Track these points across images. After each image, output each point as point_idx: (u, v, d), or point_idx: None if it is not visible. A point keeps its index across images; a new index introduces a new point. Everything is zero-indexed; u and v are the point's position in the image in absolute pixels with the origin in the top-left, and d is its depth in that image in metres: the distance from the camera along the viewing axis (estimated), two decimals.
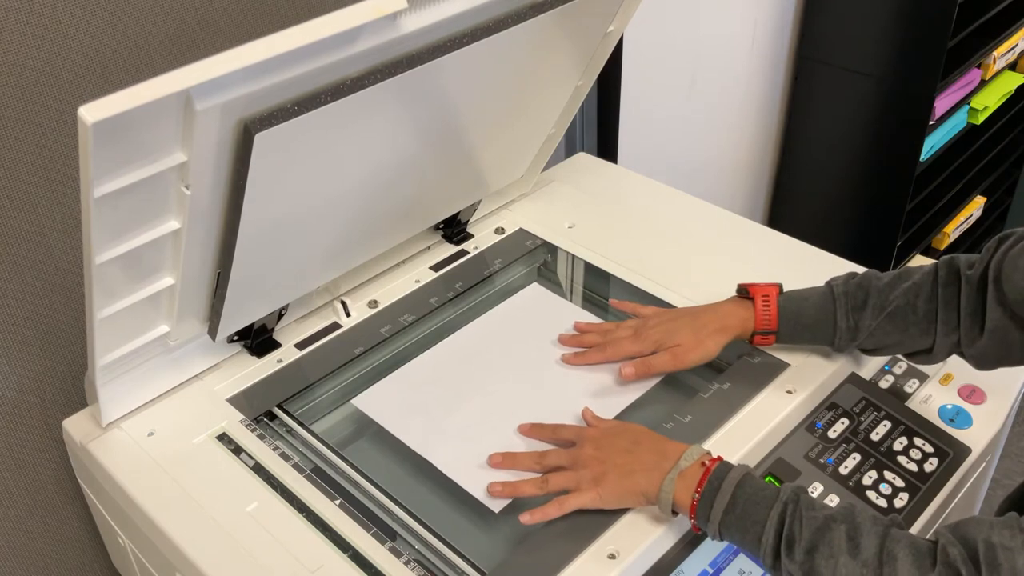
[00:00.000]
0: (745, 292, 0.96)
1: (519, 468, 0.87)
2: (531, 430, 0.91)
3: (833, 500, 0.86)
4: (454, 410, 0.95)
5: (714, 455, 0.79)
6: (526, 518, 0.81)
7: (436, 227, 1.14)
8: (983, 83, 2.10)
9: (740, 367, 0.96)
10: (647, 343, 0.96)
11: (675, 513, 0.79)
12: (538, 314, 1.07)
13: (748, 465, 0.77)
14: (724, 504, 0.74)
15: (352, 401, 0.97)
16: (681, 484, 0.77)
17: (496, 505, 0.85)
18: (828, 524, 0.70)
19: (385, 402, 0.97)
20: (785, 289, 0.95)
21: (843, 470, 0.88)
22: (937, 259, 0.90)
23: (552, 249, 1.17)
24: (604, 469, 0.81)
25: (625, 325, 1.00)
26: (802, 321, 0.93)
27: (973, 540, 0.65)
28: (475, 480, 0.87)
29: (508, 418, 0.93)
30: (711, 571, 0.80)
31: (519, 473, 0.87)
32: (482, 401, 0.96)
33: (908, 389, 0.96)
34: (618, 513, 0.81)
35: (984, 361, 0.87)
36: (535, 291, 1.12)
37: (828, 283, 0.93)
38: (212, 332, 0.91)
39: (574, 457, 0.84)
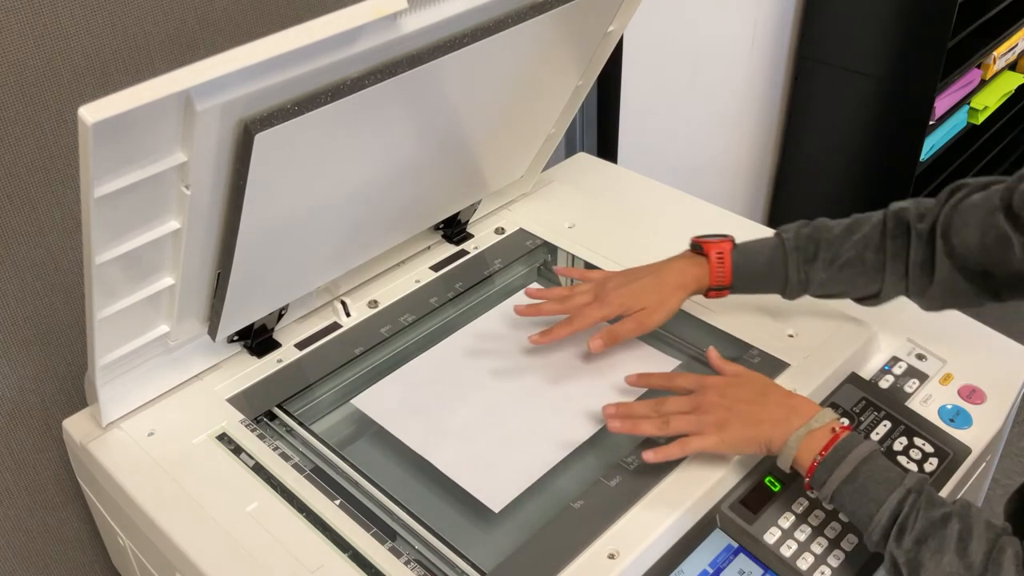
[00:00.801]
0: (699, 248, 0.96)
1: (636, 416, 0.87)
2: (639, 379, 0.91)
3: None
4: (454, 410, 0.95)
5: (845, 423, 0.79)
6: (650, 456, 0.82)
7: (436, 227, 1.14)
8: (983, 83, 2.10)
9: None
10: (612, 307, 0.95)
11: (791, 469, 0.80)
12: None
13: (877, 444, 0.78)
14: (844, 475, 0.75)
15: (352, 401, 0.97)
16: (807, 443, 0.78)
17: (496, 505, 0.85)
18: (944, 521, 0.71)
19: (385, 402, 0.97)
20: (737, 241, 0.96)
21: None
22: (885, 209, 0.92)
23: (552, 249, 1.17)
24: (728, 416, 0.82)
25: (581, 290, 0.98)
26: (755, 276, 0.95)
27: None
28: (475, 480, 0.87)
29: (508, 418, 0.93)
30: (711, 571, 0.80)
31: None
32: (482, 401, 0.96)
33: (908, 389, 0.96)
34: (618, 513, 0.81)
35: (932, 305, 0.91)
36: None
37: (779, 234, 0.95)
38: (212, 332, 0.91)
39: (696, 402, 0.84)
